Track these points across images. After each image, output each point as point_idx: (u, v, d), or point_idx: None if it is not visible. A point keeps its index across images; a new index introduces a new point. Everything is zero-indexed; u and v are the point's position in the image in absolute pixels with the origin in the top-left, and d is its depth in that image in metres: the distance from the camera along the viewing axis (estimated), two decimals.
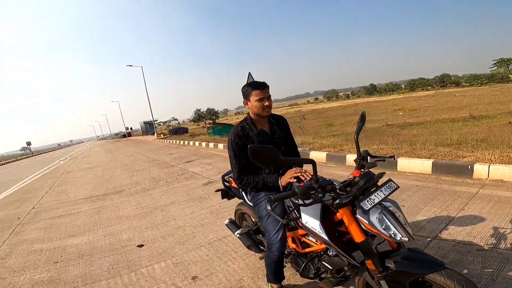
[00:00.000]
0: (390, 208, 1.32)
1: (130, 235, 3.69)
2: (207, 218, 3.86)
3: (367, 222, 1.27)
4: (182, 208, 4.49)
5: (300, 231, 1.73)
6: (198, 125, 50.79)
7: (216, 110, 52.70)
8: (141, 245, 3.31)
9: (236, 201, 2.54)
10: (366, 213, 1.27)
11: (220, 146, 12.09)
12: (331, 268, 1.56)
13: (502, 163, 3.72)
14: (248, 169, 1.87)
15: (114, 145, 32.38)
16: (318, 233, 1.41)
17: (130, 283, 2.53)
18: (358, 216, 1.30)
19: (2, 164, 34.88)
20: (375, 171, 1.46)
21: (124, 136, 61.96)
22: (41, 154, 57.07)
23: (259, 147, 1.20)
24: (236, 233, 2.35)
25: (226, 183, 2.43)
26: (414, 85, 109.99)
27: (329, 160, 6.14)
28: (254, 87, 1.84)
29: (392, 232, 1.26)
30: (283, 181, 1.76)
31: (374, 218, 1.27)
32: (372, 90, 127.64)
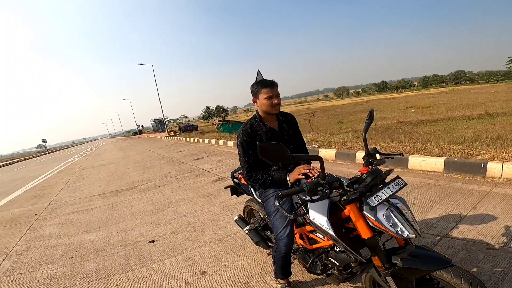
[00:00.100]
0: (398, 205, 1.33)
1: (142, 231, 3.78)
2: (217, 214, 3.92)
3: (374, 219, 1.27)
4: (192, 204, 4.56)
5: (308, 228, 1.75)
6: (208, 122, 51.13)
7: (225, 107, 52.90)
8: (153, 241, 3.39)
9: (245, 197, 2.57)
10: (373, 209, 1.28)
11: (230, 143, 12.17)
12: (338, 264, 1.58)
13: None
14: (257, 166, 1.90)
15: (126, 143, 32.98)
16: (325, 229, 1.43)
17: (142, 278, 2.61)
18: (365, 212, 1.31)
19: (19, 161, 36.02)
20: (384, 168, 1.47)
21: (135, 133, 63.00)
22: (56, 151, 58.63)
23: (267, 144, 1.22)
24: (244, 229, 2.38)
25: (235, 180, 2.46)
26: (427, 82, 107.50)
27: (338, 157, 6.11)
28: (263, 85, 1.86)
29: (399, 229, 1.26)
30: (291, 177, 1.78)
31: (381, 214, 1.27)
32: (383, 87, 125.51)
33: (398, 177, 1.40)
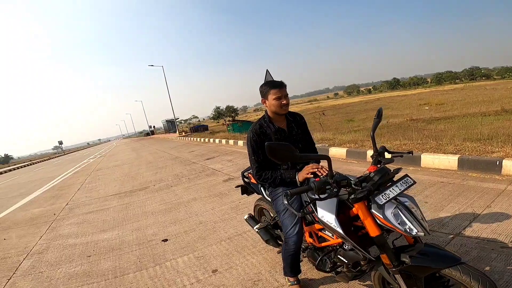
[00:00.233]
0: (406, 203, 1.34)
1: (155, 230, 3.87)
2: (228, 213, 3.97)
3: (382, 217, 1.29)
4: (204, 204, 4.63)
5: (317, 226, 1.77)
6: (218, 122, 51.49)
7: (235, 107, 53.13)
8: (166, 240, 3.47)
9: (255, 196, 2.61)
10: (381, 208, 1.29)
11: (240, 143, 12.23)
12: (346, 261, 1.59)
13: None
14: (266, 165, 1.93)
15: (138, 143, 33.59)
16: (333, 227, 1.45)
17: (156, 276, 2.68)
18: (373, 210, 1.32)
19: (36, 163, 37.21)
20: (393, 166, 1.47)
21: (147, 134, 64.03)
22: (72, 152, 60.25)
23: (276, 144, 1.25)
24: (255, 227, 2.42)
25: (245, 179, 2.50)
26: (441, 78, 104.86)
27: (349, 156, 6.07)
28: (272, 86, 1.89)
29: (408, 227, 1.27)
30: (300, 176, 1.81)
31: (389, 213, 1.29)
32: (395, 84, 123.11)
33: (406, 175, 1.40)
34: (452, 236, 2.46)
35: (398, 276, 1.34)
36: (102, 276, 2.87)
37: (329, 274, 1.85)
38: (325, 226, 1.53)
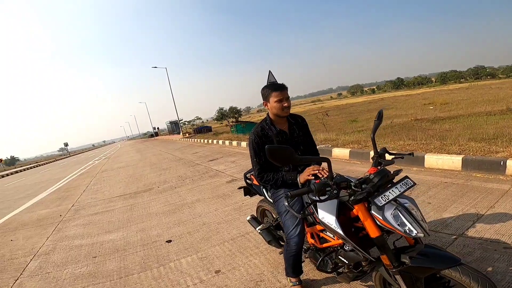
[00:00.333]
0: (406, 205, 1.35)
1: (159, 231, 3.91)
2: (231, 214, 4.00)
3: (381, 218, 1.30)
4: (207, 205, 4.67)
5: (318, 227, 1.79)
6: (222, 123, 51.63)
7: (238, 108, 53.23)
8: (169, 241, 3.50)
9: (258, 198, 2.63)
10: (381, 209, 1.30)
11: (243, 144, 12.27)
12: (347, 262, 1.61)
13: None
14: (268, 167, 1.95)
15: (143, 145, 33.80)
16: (334, 228, 1.46)
17: (159, 276, 2.71)
18: (372, 212, 1.33)
19: (43, 164, 37.62)
20: (394, 167, 1.49)
21: (152, 135, 64.40)
22: (77, 154, 60.82)
23: (276, 147, 1.27)
24: (257, 229, 2.44)
25: (248, 181, 2.52)
26: (445, 78, 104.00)
27: (352, 156, 6.07)
28: (273, 88, 1.91)
29: (407, 228, 1.28)
30: (301, 178, 1.82)
31: (389, 214, 1.30)
32: (399, 84, 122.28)
33: (406, 177, 1.41)
34: (455, 236, 2.46)
35: (398, 277, 1.35)
36: (107, 276, 2.91)
37: (331, 275, 1.86)
38: (326, 227, 1.55)
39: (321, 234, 1.83)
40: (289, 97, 1.94)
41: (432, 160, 4.51)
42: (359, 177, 1.47)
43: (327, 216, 1.51)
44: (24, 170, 32.29)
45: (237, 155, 9.80)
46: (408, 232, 1.27)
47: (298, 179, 1.84)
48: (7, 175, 27.34)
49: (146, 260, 3.11)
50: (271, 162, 1.22)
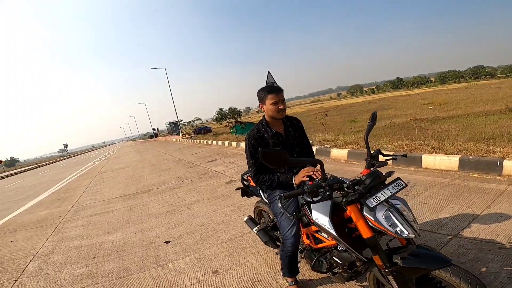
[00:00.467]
0: (398, 206, 1.37)
1: (158, 232, 3.93)
2: (229, 215, 4.02)
3: (373, 219, 1.32)
4: (206, 206, 4.69)
5: (313, 227, 1.81)
6: (221, 124, 51.68)
7: (238, 109, 53.27)
8: (168, 241, 3.52)
9: (256, 199, 2.65)
10: (372, 210, 1.33)
11: (243, 144, 12.28)
12: (340, 263, 1.63)
13: None
14: (264, 169, 1.98)
15: (142, 146, 33.82)
16: (327, 229, 1.49)
17: (158, 277, 2.74)
18: (364, 213, 1.36)
19: (43, 166, 37.64)
20: (387, 169, 1.51)
21: (151, 136, 64.44)
22: (77, 155, 60.84)
23: (269, 149, 1.29)
24: (254, 229, 2.47)
25: (245, 182, 2.55)
26: (444, 77, 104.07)
27: (351, 157, 6.09)
28: (269, 91, 1.93)
29: (399, 229, 1.30)
30: (296, 179, 1.85)
31: (380, 215, 1.32)
32: (398, 84, 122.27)
33: (398, 178, 1.44)
34: (450, 237, 2.48)
35: (390, 277, 1.37)
36: (106, 277, 2.93)
37: (326, 275, 1.88)
38: (320, 228, 1.57)
39: (316, 235, 1.85)
40: (284, 99, 1.97)
41: (430, 160, 4.53)
42: (353, 179, 1.49)
43: (320, 217, 1.53)
44: (24, 171, 32.31)
45: (236, 156, 9.82)
46: (399, 233, 1.30)
47: (293, 180, 1.86)
48: (7, 176, 27.35)
49: (144, 260, 3.13)
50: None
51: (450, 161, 4.27)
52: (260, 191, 2.29)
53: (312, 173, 1.75)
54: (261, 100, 1.98)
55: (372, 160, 1.64)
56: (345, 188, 1.39)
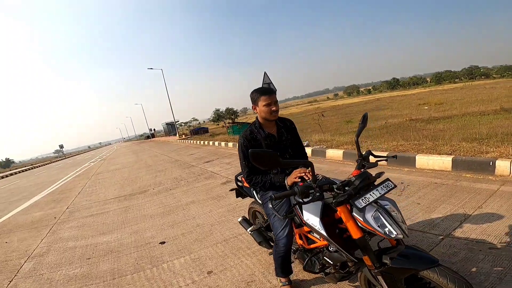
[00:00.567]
0: (387, 207, 1.39)
1: (153, 232, 3.93)
2: (224, 216, 4.03)
3: (362, 220, 1.34)
4: (201, 206, 4.69)
5: (306, 228, 1.82)
6: (218, 124, 51.63)
7: (235, 109, 53.27)
8: (163, 242, 3.53)
9: (251, 199, 2.67)
10: (361, 211, 1.35)
11: None
12: (332, 263, 1.65)
13: None
14: (257, 170, 1.99)
15: (139, 147, 33.68)
16: (318, 229, 1.51)
17: (152, 277, 2.74)
18: (354, 214, 1.38)
19: (38, 167, 37.34)
20: (377, 170, 1.53)
21: (148, 137, 64.20)
22: (73, 156, 60.41)
23: (259, 151, 1.31)
24: (248, 230, 2.48)
25: (239, 183, 2.56)
26: (440, 78, 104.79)
27: (346, 157, 6.12)
28: (262, 93, 1.95)
29: (387, 229, 1.33)
30: (289, 180, 1.86)
31: (369, 216, 1.34)
32: (394, 84, 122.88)
33: (387, 179, 1.46)
34: (442, 237, 2.51)
35: (379, 277, 1.39)
36: (100, 277, 2.93)
37: (319, 275, 1.90)
38: (311, 229, 1.59)
39: (309, 235, 1.86)
40: (277, 101, 1.99)
41: (423, 160, 4.57)
42: (343, 180, 1.51)
43: (311, 218, 1.55)
44: (20, 172, 32.03)
45: (233, 157, 9.83)
46: (388, 233, 1.32)
47: (286, 181, 1.88)
48: (2, 177, 27.12)
49: (139, 261, 3.13)
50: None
51: (444, 162, 4.31)
52: (254, 192, 2.31)
53: (304, 174, 1.77)
54: (254, 101, 2.00)
55: (362, 161, 1.66)
56: (335, 189, 1.41)
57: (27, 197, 9.59)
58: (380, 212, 1.35)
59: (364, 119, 1.82)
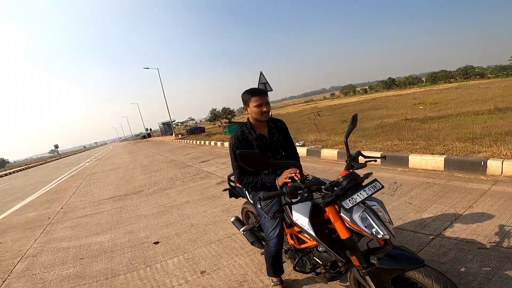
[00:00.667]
0: (374, 207, 1.41)
1: (148, 232, 3.93)
2: (219, 216, 4.04)
3: (349, 220, 1.36)
4: (196, 206, 4.70)
5: (296, 228, 1.84)
6: (214, 124, 51.57)
7: (231, 109, 53.22)
8: (157, 242, 3.53)
9: (244, 200, 2.68)
10: (349, 211, 1.36)
11: None
12: (321, 263, 1.66)
13: None
14: (247, 170, 2.00)
15: (135, 146, 33.54)
16: (306, 229, 1.52)
17: (146, 277, 2.74)
18: (342, 214, 1.39)
19: (33, 167, 37.02)
20: (366, 171, 1.55)
21: (144, 137, 63.92)
22: (68, 156, 59.97)
23: (247, 152, 1.31)
24: (241, 230, 2.49)
25: (231, 183, 2.57)
26: (435, 77, 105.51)
27: (340, 157, 6.15)
28: (253, 94, 1.96)
29: (374, 230, 1.34)
30: (279, 181, 1.87)
31: (356, 216, 1.36)
32: (390, 84, 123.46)
33: (375, 180, 1.47)
34: (432, 237, 2.53)
35: (367, 277, 1.41)
36: (93, 278, 2.93)
37: (311, 275, 1.92)
38: (300, 229, 1.61)
39: (299, 235, 1.88)
40: (268, 102, 2.00)
41: (416, 160, 4.61)
42: (332, 180, 1.53)
43: (300, 218, 1.56)
44: (14, 172, 31.75)
45: (228, 157, 9.73)
46: (375, 234, 1.33)
47: (276, 182, 1.89)
48: None
49: (133, 261, 3.13)
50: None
51: (436, 161, 4.35)
52: (246, 192, 2.32)
53: (294, 174, 1.78)
54: (245, 102, 2.01)
55: (352, 161, 1.68)
56: (323, 190, 1.42)
57: (21, 198, 9.52)
58: (367, 213, 1.37)
59: (354, 120, 1.84)
